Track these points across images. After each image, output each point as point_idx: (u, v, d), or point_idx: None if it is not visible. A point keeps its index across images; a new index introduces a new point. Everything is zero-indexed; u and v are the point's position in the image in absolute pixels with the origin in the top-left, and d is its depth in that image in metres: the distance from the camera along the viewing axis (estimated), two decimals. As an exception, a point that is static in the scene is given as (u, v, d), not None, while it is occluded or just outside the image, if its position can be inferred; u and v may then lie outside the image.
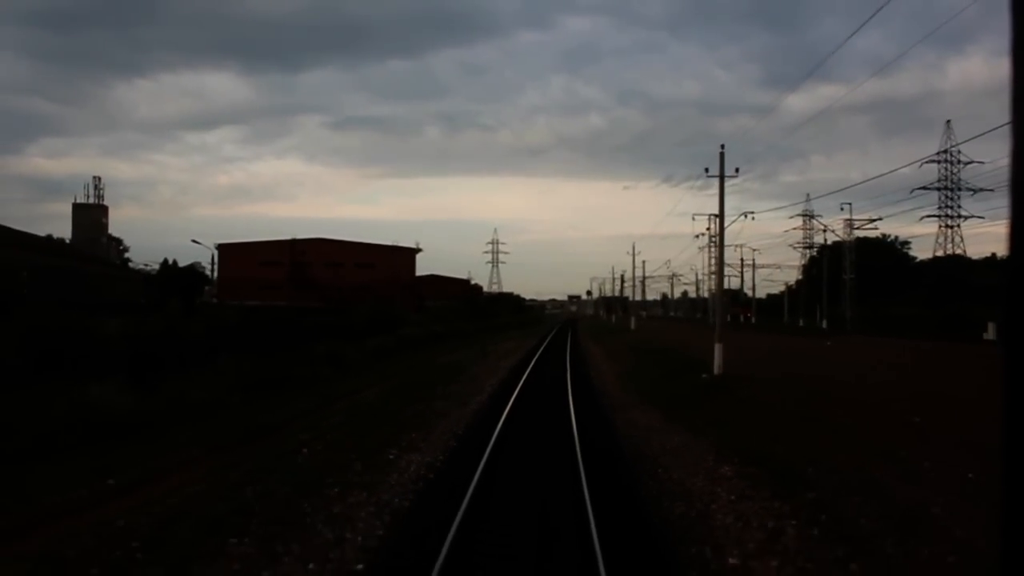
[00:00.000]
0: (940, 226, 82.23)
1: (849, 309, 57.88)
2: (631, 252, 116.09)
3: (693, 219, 78.90)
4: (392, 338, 37.32)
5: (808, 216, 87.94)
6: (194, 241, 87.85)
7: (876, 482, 9.98)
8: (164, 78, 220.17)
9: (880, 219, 58.53)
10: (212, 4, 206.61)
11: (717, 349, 22.42)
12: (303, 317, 45.27)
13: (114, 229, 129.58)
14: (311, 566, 6.62)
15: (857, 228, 58.52)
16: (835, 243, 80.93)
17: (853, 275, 60.93)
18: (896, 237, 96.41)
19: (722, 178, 22.22)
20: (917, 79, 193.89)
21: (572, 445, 12.45)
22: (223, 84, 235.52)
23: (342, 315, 48.76)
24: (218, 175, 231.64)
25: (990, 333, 44.19)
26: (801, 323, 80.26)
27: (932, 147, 76.82)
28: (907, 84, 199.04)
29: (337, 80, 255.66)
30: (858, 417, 14.36)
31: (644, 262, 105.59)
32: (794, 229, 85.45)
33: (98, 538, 7.11)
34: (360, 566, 6.63)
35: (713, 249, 65.89)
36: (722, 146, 22.13)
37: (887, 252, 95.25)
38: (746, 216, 45.38)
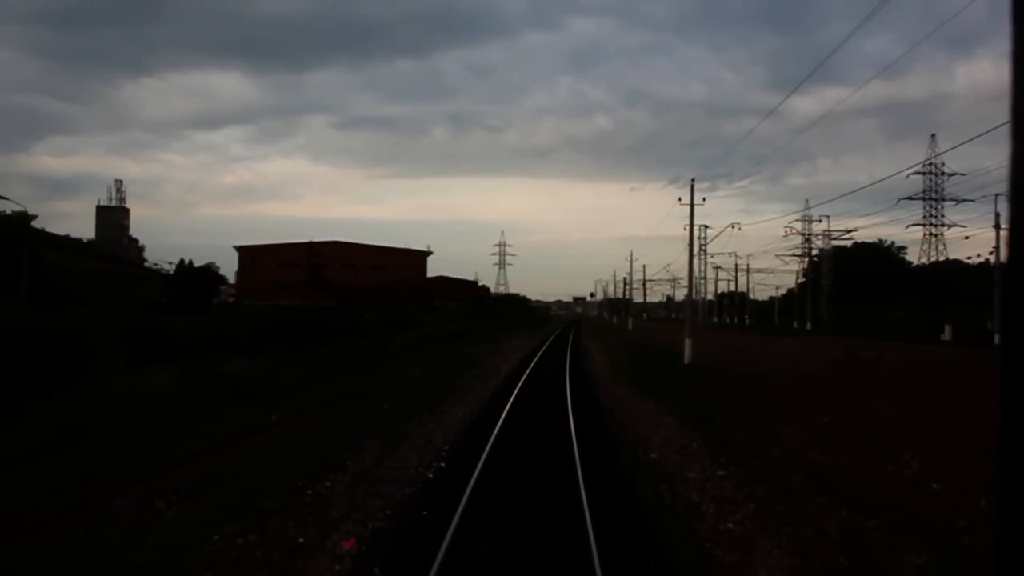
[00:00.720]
0: (925, 233, 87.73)
1: (826, 312, 63.31)
2: (633, 257, 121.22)
3: (684, 228, 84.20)
4: (417, 334, 42.87)
5: (807, 220, 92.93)
6: (236, 248, 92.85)
7: (760, 423, 15.35)
8: (171, 77, 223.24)
9: (855, 230, 63.93)
10: (219, 3, 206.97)
11: (687, 344, 27.85)
12: (332, 317, 50.64)
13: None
14: (419, 450, 12.09)
15: (834, 239, 63.84)
16: (822, 250, 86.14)
17: (830, 281, 66.24)
18: (893, 242, 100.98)
19: (692, 207, 27.71)
20: (925, 82, 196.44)
21: (565, 405, 17.86)
22: (230, 83, 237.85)
23: (364, 315, 53.93)
24: (225, 174, 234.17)
25: (946, 334, 49.46)
26: (795, 324, 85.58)
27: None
28: (915, 87, 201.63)
29: (344, 80, 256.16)
30: (771, 391, 19.78)
31: (645, 266, 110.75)
32: (791, 235, 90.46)
33: (295, 438, 12.61)
34: (446, 447, 12.14)
35: (702, 257, 71.14)
36: (692, 180, 27.55)
37: (884, 256, 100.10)
38: (733, 227, 50.70)
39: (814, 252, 78.77)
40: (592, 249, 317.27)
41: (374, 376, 23.67)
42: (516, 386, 21.67)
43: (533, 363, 31.11)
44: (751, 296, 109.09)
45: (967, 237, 76.26)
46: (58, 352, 20.47)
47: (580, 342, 55.82)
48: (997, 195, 49.83)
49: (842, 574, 7.08)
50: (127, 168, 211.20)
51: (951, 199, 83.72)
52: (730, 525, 8.81)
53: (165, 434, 12.69)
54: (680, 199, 28.52)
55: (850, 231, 63.15)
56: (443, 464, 10.93)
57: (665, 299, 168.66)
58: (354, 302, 68.86)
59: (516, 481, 10.28)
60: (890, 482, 10.46)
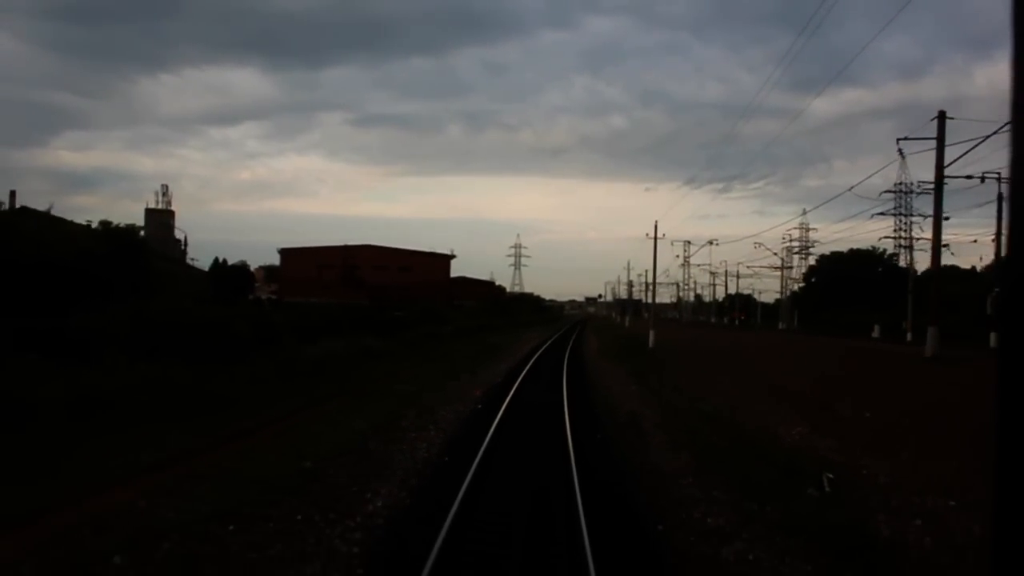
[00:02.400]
0: (895, 245, 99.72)
1: (794, 312, 75.51)
2: (644, 257, 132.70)
3: (672, 244, 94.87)
4: (453, 328, 55.48)
5: (804, 228, 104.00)
6: (279, 250, 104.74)
7: (670, 374, 27.73)
8: (187, 73, 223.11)
9: (815, 244, 75.83)
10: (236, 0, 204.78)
11: (651, 334, 40.34)
12: (372, 314, 62.86)
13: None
14: (488, 375, 24.76)
15: (796, 252, 76.07)
16: (822, 255, 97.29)
17: (797, 286, 78.36)
18: (885, 249, 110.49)
19: (655, 240, 40.14)
20: (943, 84, 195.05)
21: (562, 368, 30.38)
22: (246, 80, 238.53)
23: (395, 312, 65.29)
24: (240, 171, 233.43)
25: (876, 332, 61.44)
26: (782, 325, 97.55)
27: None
28: (933, 89, 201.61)
29: (360, 77, 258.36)
30: (698, 361, 32.25)
31: (647, 270, 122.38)
32: (759, 248, 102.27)
33: (426, 373, 25.31)
34: (502, 375, 24.90)
35: (690, 269, 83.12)
36: (656, 221, 39.91)
37: (876, 262, 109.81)
38: (711, 243, 62.97)
39: (787, 263, 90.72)
40: (606, 248, 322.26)
41: (441, 351, 36.36)
42: (533, 358, 34.33)
43: (545, 347, 43.72)
44: (758, 299, 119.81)
45: (946, 245, 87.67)
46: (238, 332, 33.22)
47: (583, 335, 68.45)
48: (913, 216, 61.66)
49: (651, 408, 19.52)
50: (143, 163, 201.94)
51: (919, 215, 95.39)
52: (625, 400, 21.29)
53: (364, 369, 25.40)
54: (648, 234, 40.95)
55: (811, 243, 75.09)
56: (502, 379, 23.64)
57: (676, 299, 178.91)
58: (394, 300, 79.40)
59: (534, 390, 22.85)
60: (707, 389, 22.91)
